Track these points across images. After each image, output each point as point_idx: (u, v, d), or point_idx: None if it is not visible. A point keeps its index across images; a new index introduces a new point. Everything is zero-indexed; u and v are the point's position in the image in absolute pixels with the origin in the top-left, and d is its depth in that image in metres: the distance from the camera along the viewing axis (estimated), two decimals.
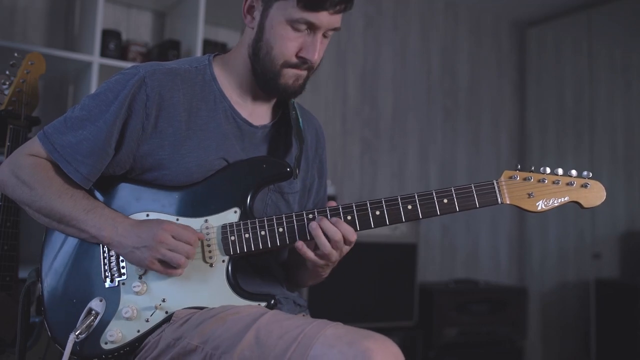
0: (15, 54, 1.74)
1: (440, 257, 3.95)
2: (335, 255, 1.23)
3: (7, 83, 1.70)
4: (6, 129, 1.68)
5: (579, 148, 4.00)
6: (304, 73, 1.30)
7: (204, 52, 2.74)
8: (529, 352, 3.89)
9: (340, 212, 1.24)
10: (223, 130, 1.31)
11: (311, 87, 3.50)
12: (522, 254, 4.29)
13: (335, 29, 1.28)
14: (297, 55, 1.26)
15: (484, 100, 4.24)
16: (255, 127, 1.36)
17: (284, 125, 1.42)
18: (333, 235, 1.20)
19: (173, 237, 1.18)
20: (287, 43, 1.25)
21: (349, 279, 2.92)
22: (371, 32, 3.79)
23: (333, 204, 1.25)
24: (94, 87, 2.54)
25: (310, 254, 1.22)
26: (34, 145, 1.27)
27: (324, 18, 1.24)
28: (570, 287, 3.93)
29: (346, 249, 1.25)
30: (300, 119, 1.42)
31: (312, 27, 1.25)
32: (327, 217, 1.22)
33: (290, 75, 1.28)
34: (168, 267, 1.20)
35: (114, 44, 2.70)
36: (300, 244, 1.22)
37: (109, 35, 2.69)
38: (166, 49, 2.80)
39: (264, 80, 1.30)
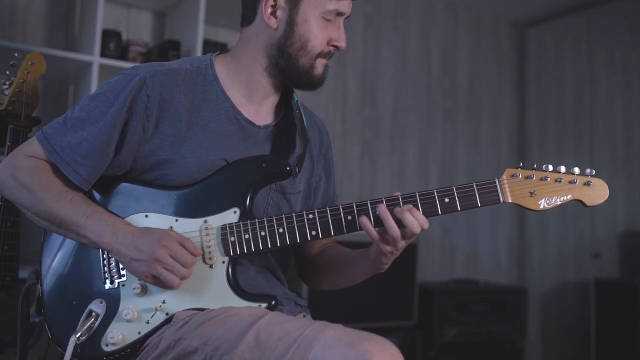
0: (16, 54, 1.74)
1: (440, 257, 3.95)
2: (402, 243, 1.23)
3: (7, 83, 1.70)
4: (6, 129, 1.68)
5: (579, 148, 4.00)
6: (327, 61, 1.35)
7: (204, 52, 2.73)
8: (529, 352, 3.89)
9: (340, 212, 1.23)
10: (224, 130, 1.30)
11: None
12: (522, 254, 4.29)
13: (349, 16, 1.34)
14: (328, 45, 1.32)
15: (484, 100, 4.24)
16: (258, 126, 1.35)
17: (287, 125, 1.41)
18: (413, 229, 1.19)
19: (171, 256, 1.17)
20: (322, 34, 1.30)
21: None
22: (371, 32, 3.79)
23: (397, 194, 1.24)
24: (94, 87, 2.53)
25: (375, 233, 1.21)
26: (33, 146, 1.26)
27: (347, 5, 1.32)
28: (570, 287, 3.93)
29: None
30: (304, 118, 1.41)
31: (338, 15, 1.31)
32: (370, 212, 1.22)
33: (321, 65, 1.33)
34: (162, 284, 1.20)
35: (114, 44, 2.69)
36: (364, 220, 1.21)
37: (109, 35, 2.69)
38: (166, 49, 2.79)
39: (296, 74, 1.32)
